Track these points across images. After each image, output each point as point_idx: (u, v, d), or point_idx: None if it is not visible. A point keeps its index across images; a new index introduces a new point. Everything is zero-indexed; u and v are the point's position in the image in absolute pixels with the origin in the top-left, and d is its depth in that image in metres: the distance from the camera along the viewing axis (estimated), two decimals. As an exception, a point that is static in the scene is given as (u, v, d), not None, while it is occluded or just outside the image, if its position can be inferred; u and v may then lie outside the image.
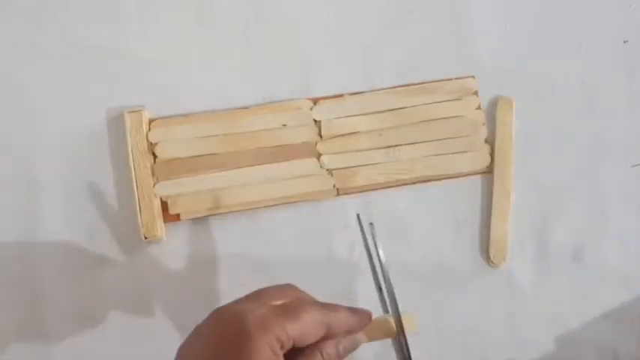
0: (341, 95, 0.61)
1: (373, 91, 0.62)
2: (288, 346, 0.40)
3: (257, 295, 0.43)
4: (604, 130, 0.62)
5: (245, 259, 0.59)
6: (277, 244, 0.60)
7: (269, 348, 0.39)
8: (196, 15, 0.62)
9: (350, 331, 0.44)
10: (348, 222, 0.60)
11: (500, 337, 0.60)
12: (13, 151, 0.60)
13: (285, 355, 0.40)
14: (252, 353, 0.38)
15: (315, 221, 0.60)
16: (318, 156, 0.61)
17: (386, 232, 0.60)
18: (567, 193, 0.61)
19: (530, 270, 0.60)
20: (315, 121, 0.61)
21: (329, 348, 0.43)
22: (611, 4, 0.64)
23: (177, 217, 0.60)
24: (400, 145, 0.61)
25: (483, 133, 0.62)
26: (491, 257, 0.60)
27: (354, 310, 0.44)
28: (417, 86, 0.62)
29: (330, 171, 0.60)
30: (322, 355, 0.42)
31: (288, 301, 0.43)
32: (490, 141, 0.61)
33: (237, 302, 0.43)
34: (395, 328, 0.48)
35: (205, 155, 0.60)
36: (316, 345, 0.42)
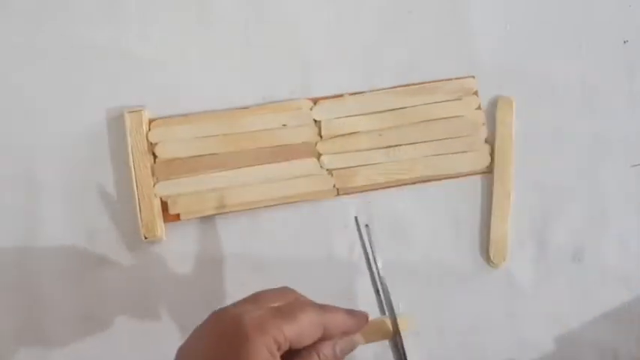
0: (341, 95, 0.61)
1: (373, 91, 0.62)
2: (285, 347, 0.40)
3: (255, 298, 0.44)
4: (604, 130, 0.62)
5: (245, 259, 0.59)
6: (277, 244, 0.60)
7: (266, 349, 0.39)
8: (196, 15, 0.63)
9: (347, 333, 0.45)
10: (348, 222, 0.60)
11: (500, 337, 0.60)
12: (13, 151, 0.60)
13: (282, 357, 0.40)
14: (250, 354, 0.39)
15: (315, 221, 0.60)
16: (318, 156, 0.61)
17: (386, 232, 0.60)
18: (567, 193, 0.61)
19: (530, 270, 0.60)
20: (315, 121, 0.61)
21: (326, 349, 0.43)
22: (611, 4, 0.63)
23: (177, 217, 0.60)
24: (400, 145, 0.61)
25: (483, 133, 0.61)
26: (491, 257, 0.60)
27: (350, 312, 0.45)
28: (417, 86, 0.62)
29: (330, 171, 0.60)
30: (319, 357, 0.43)
31: (286, 303, 0.43)
32: (490, 141, 0.61)
33: (235, 305, 0.43)
34: (392, 330, 0.48)
35: (205, 155, 0.60)
36: (313, 346, 0.42)
